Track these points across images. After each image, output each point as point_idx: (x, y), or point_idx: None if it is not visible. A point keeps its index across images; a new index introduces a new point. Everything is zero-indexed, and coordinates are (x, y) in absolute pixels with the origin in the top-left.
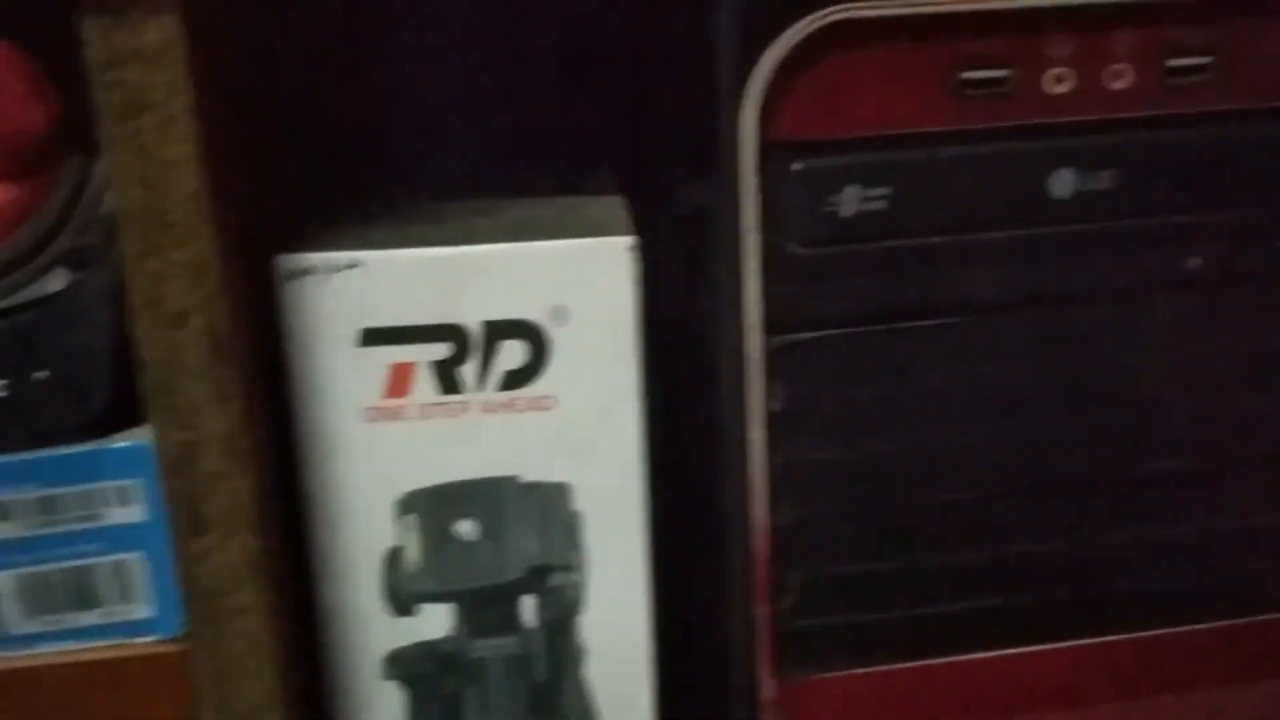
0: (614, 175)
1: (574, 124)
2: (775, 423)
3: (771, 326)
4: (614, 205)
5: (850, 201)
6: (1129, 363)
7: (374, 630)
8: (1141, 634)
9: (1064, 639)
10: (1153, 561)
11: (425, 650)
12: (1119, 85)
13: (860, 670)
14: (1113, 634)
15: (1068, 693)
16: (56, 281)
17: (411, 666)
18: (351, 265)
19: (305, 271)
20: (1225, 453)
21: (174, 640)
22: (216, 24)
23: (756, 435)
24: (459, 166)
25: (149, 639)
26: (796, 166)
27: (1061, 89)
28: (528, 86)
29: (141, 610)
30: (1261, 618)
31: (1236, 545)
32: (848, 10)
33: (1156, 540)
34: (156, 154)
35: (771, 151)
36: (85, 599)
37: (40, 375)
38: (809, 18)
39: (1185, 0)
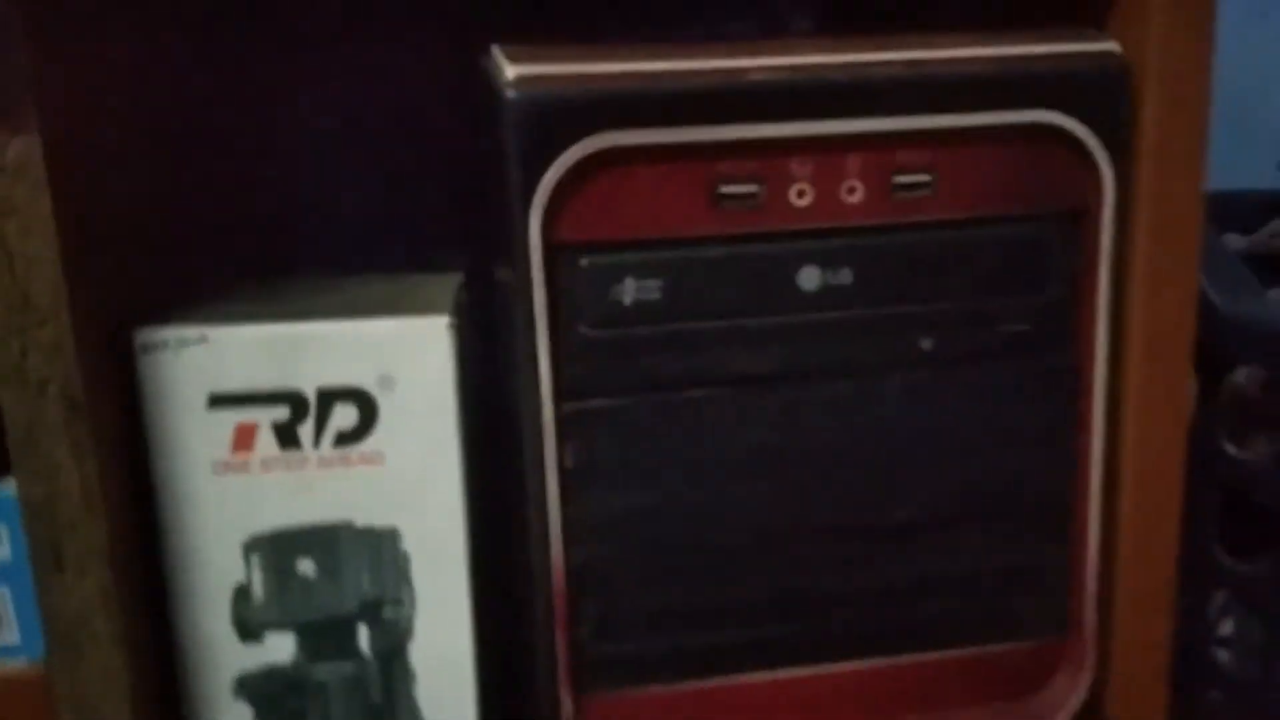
0: (461, 256)
1: (426, 214)
2: (567, 477)
3: (563, 395)
4: (449, 283)
5: (629, 292)
6: (873, 427)
7: (225, 656)
8: (901, 658)
9: (828, 662)
10: (900, 595)
11: (271, 674)
12: (853, 198)
13: (650, 689)
14: (873, 658)
15: (834, 712)
16: None
17: (259, 688)
18: (200, 339)
19: (159, 345)
20: (955, 503)
21: (37, 663)
22: (76, 136)
23: (552, 488)
24: (323, 251)
25: (15, 662)
26: (583, 262)
27: (804, 201)
28: (383, 177)
29: (7, 636)
30: (1001, 645)
31: (967, 581)
32: (616, 138)
33: (899, 575)
34: (19, 251)
35: (560, 250)
36: None
37: None
38: (582, 143)
39: (907, 129)
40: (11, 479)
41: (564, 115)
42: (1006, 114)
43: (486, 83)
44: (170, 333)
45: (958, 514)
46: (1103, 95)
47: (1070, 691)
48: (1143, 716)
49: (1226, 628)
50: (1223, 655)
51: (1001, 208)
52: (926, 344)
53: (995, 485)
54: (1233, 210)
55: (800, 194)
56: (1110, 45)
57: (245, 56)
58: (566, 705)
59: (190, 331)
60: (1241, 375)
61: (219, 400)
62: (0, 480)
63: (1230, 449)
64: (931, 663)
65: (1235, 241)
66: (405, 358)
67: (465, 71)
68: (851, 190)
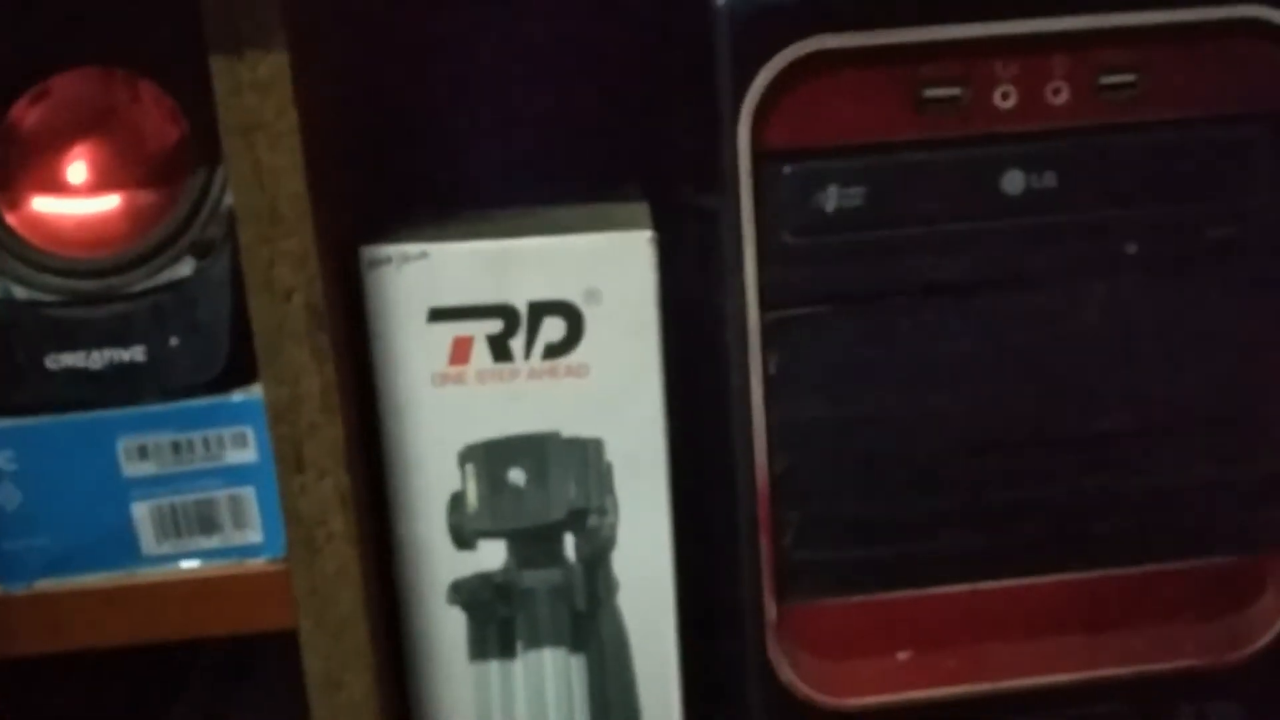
0: (640, 187)
1: (611, 145)
2: (771, 385)
3: (767, 304)
4: (638, 209)
5: (832, 199)
6: (1076, 335)
7: (440, 562)
8: (1097, 573)
9: (1025, 576)
10: (1100, 508)
11: (483, 580)
12: (1058, 100)
13: (850, 598)
14: (1070, 573)
15: (1029, 625)
16: (186, 267)
17: (471, 594)
18: (421, 255)
19: (384, 260)
20: (1159, 414)
21: (279, 561)
22: (319, 56)
23: (756, 395)
24: (516, 179)
25: (259, 560)
26: (787, 170)
27: (1008, 103)
28: (572, 113)
29: (252, 535)
30: (1204, 560)
31: (1170, 494)
32: (822, 42)
33: (1099, 487)
34: (267, 163)
35: (765, 158)
36: (207, 526)
37: (173, 342)
38: (790, 48)
39: (1112, 26)
40: (257, 385)
41: (772, 20)
42: (1211, 9)
43: None
44: (394, 249)
45: (1162, 424)
46: None
47: (1277, 612)
48: None
49: None
50: None
51: (1209, 108)
52: (1132, 249)
53: (1200, 395)
54: None
55: (1004, 96)
56: None
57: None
58: (770, 611)
59: (412, 248)
60: None
61: (438, 314)
62: (246, 386)
63: None
64: (1131, 578)
65: None
66: (610, 272)
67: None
68: (1057, 91)
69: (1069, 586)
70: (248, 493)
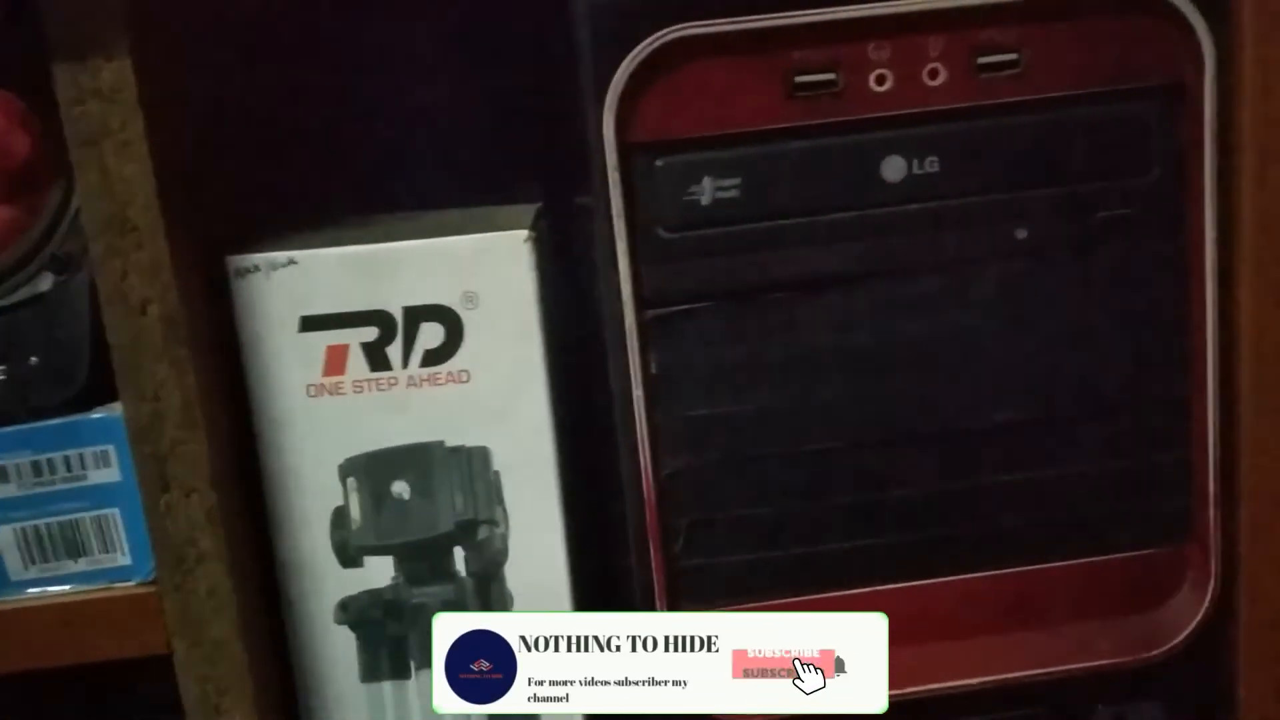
0: (539, 187)
1: (511, 145)
2: (653, 384)
3: (645, 301)
4: (527, 210)
5: (707, 191)
6: (966, 324)
7: (326, 580)
8: (1003, 571)
9: (927, 576)
10: (1000, 502)
11: (371, 598)
12: (936, 82)
13: (745, 605)
14: (974, 572)
15: (936, 628)
16: (44, 283)
17: (360, 613)
18: (289, 262)
19: (251, 269)
20: (1059, 403)
21: (149, 583)
22: (170, 59)
23: (638, 395)
24: (404, 184)
25: (128, 583)
26: (659, 163)
27: (884, 87)
28: (468, 114)
29: (120, 558)
30: (1114, 555)
31: (1071, 486)
32: (685, 29)
33: (997, 481)
34: (115, 172)
35: (635, 151)
36: (73, 549)
37: (32, 361)
38: (653, 37)
39: (991, 3)
40: (119, 403)
41: (633, 8)
42: None
43: None
44: (261, 257)
45: (1062, 414)
46: None
47: (1193, 606)
48: (1276, 638)
49: None
50: None
51: (1095, 84)
52: (1021, 234)
53: (1101, 382)
54: None
55: (880, 80)
56: None
57: None
58: None
59: (280, 255)
60: None
61: (310, 322)
62: (108, 405)
63: None
64: (1041, 575)
65: None
66: (487, 273)
67: None
68: (934, 73)
69: (975, 586)
70: (113, 514)
